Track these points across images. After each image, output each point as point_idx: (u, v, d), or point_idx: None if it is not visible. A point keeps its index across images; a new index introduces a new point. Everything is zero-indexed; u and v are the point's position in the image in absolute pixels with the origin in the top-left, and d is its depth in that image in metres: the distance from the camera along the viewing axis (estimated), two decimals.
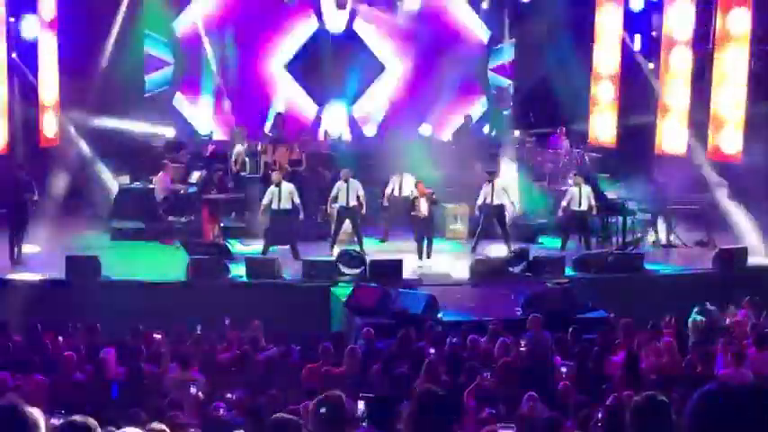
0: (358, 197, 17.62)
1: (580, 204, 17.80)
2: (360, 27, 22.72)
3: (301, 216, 17.40)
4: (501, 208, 17.96)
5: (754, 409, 2.51)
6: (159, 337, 12.25)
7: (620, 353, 11.18)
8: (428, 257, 17.17)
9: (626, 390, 8.84)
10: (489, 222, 17.97)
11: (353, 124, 22.92)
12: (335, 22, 22.50)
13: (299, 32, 22.50)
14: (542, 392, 8.97)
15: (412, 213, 17.35)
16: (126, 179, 20.02)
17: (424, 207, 17.22)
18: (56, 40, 19.51)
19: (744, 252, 16.86)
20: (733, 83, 19.51)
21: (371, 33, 22.83)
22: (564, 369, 10.67)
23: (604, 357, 11.05)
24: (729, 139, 19.78)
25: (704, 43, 20.14)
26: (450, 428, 4.42)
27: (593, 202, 17.88)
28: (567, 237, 18.02)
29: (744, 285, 15.40)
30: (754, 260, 16.94)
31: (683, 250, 18.21)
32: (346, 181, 17.61)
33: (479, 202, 17.95)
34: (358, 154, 20.36)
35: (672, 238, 18.43)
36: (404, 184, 18.42)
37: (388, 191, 18.52)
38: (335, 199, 17.65)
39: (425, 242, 17.18)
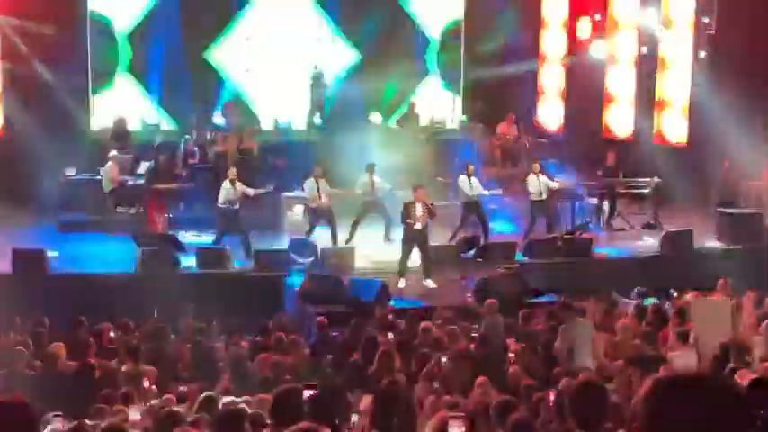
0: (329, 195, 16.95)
1: (541, 194, 17.74)
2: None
3: (270, 188, 17.18)
4: (480, 203, 17.36)
5: (702, 396, 2.58)
6: (111, 331, 12.13)
7: None
8: (427, 278, 15.45)
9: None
10: (469, 218, 17.29)
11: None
12: None
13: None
14: (495, 378, 9.02)
15: (407, 221, 15.32)
16: (72, 170, 19.73)
17: (420, 216, 15.23)
18: None
19: (689, 234, 17.05)
20: (678, 67, 19.75)
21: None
22: (514, 354, 10.75)
23: (555, 341, 11.14)
24: (674, 123, 20.04)
25: (650, 28, 20.32)
26: (413, 422, 4.45)
27: (552, 186, 17.81)
28: (533, 223, 17.85)
29: (691, 267, 15.60)
30: (698, 242, 17.13)
31: (630, 233, 18.38)
32: (317, 181, 16.95)
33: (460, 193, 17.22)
34: (310, 142, 20.21)
35: (614, 222, 18.58)
36: (376, 185, 17.21)
37: (358, 191, 17.19)
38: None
39: (423, 259, 15.45)
